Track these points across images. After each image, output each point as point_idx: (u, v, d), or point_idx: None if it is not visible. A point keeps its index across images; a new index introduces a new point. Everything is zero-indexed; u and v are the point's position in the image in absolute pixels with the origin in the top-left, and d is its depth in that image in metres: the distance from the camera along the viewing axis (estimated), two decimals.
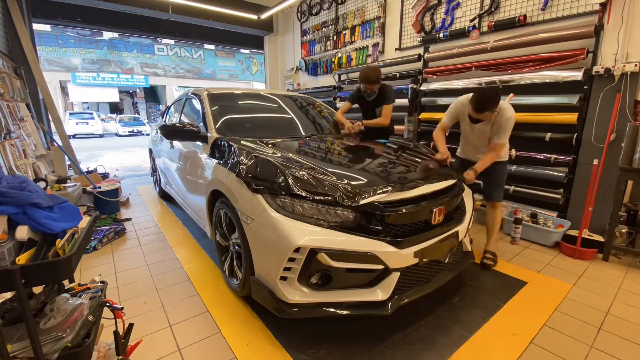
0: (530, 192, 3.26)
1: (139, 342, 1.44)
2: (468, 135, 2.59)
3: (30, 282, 0.87)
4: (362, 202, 1.62)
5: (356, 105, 3.26)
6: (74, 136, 15.05)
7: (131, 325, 1.27)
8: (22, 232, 0.94)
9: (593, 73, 2.73)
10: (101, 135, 16.90)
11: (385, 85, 3.03)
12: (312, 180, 1.70)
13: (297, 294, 1.59)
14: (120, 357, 1.21)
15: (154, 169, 4.68)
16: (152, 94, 23.85)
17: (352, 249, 1.56)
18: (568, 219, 3.07)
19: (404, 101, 4.28)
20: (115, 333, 1.17)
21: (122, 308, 1.21)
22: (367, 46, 4.94)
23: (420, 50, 4.11)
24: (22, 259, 0.92)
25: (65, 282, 1.23)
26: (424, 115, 4.10)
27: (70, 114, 16.61)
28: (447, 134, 2.66)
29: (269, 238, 1.61)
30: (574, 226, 2.95)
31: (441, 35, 3.83)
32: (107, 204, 3.62)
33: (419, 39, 4.17)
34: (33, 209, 0.97)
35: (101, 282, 1.30)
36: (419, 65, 4.14)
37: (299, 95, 3.48)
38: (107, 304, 1.14)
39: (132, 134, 17.51)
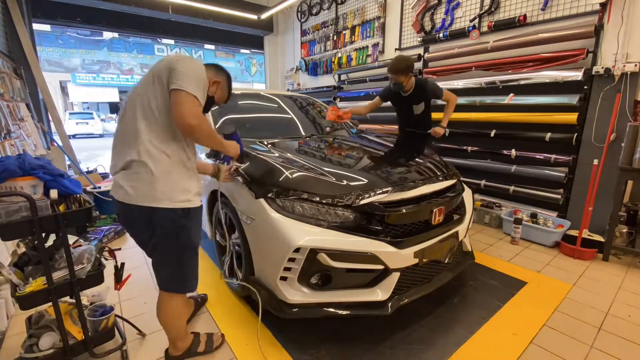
0: (530, 192, 3.26)
1: (128, 277, 1.73)
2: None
3: (68, 224, 1.30)
4: (362, 202, 1.63)
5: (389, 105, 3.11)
6: (74, 136, 15.05)
7: (122, 264, 1.62)
8: (54, 194, 1.33)
9: (593, 73, 2.73)
10: (101, 135, 16.89)
11: (425, 81, 2.84)
12: (312, 180, 1.70)
13: (297, 294, 1.60)
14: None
15: None
16: None
17: (352, 249, 1.56)
18: (568, 219, 3.07)
19: None
20: (115, 267, 1.60)
21: (119, 249, 1.78)
22: (367, 46, 4.94)
23: (420, 50, 4.11)
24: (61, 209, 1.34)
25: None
26: None
27: (70, 114, 16.61)
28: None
29: (269, 238, 1.61)
30: (574, 226, 2.95)
31: (441, 35, 3.83)
32: (107, 204, 3.62)
33: (419, 39, 4.17)
34: (60, 178, 1.38)
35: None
36: (419, 65, 4.14)
37: (299, 95, 3.48)
38: (106, 249, 1.58)
39: None
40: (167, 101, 1.23)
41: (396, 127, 4.42)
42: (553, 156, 3.04)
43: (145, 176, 1.24)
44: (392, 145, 2.60)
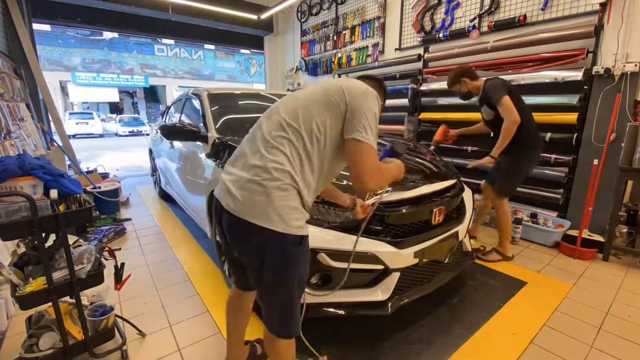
0: (530, 192, 3.25)
1: (128, 277, 1.79)
2: None
3: (68, 224, 1.31)
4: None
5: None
6: (74, 136, 15.05)
7: (122, 264, 1.67)
8: (54, 194, 1.33)
9: (593, 73, 2.73)
10: (101, 135, 16.89)
11: (490, 79, 2.49)
12: None
13: None
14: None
15: (154, 169, 4.68)
16: (152, 94, 23.86)
17: (352, 249, 1.56)
18: (568, 219, 3.06)
19: (404, 101, 4.29)
20: (115, 267, 1.64)
21: (119, 249, 1.92)
22: (367, 46, 4.94)
23: (420, 50, 4.11)
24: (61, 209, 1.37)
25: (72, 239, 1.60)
26: (424, 115, 4.10)
27: (70, 114, 16.60)
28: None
29: None
30: (574, 226, 2.95)
31: (441, 35, 3.83)
32: (107, 204, 3.62)
33: (419, 39, 4.17)
34: (60, 178, 1.40)
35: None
36: (419, 65, 4.14)
37: None
38: (106, 249, 1.62)
39: (132, 134, 17.51)
40: (336, 133, 1.04)
41: (397, 127, 4.40)
42: (553, 156, 3.04)
43: (264, 189, 0.99)
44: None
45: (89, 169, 5.03)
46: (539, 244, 2.98)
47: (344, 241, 1.56)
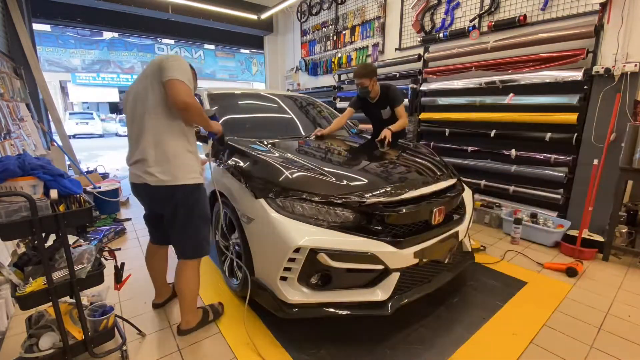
0: (530, 192, 3.25)
1: (128, 277, 1.81)
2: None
3: (68, 224, 1.33)
4: (362, 202, 1.62)
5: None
6: (74, 136, 15.05)
7: (122, 264, 1.69)
8: (54, 194, 1.35)
9: (593, 73, 2.73)
10: (101, 135, 16.89)
11: (387, 86, 2.91)
12: (312, 180, 1.70)
13: (297, 294, 1.60)
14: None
15: None
16: None
17: (352, 249, 1.56)
18: (568, 219, 3.06)
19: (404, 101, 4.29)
20: (115, 267, 1.66)
21: (119, 249, 1.98)
22: (367, 46, 4.94)
23: (420, 50, 4.11)
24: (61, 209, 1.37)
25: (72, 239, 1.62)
26: (424, 115, 4.10)
27: (70, 114, 16.61)
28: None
29: (268, 238, 1.61)
30: (574, 226, 2.95)
31: (441, 35, 3.83)
32: (107, 204, 3.62)
33: (419, 39, 4.17)
34: (60, 178, 1.41)
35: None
36: (419, 65, 4.14)
37: (299, 95, 3.48)
38: (106, 249, 1.65)
39: None
40: (164, 95, 1.47)
41: None
42: (553, 156, 3.04)
43: (163, 161, 1.51)
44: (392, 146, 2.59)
45: (89, 169, 5.03)
46: (539, 243, 2.98)
47: (344, 241, 1.57)
